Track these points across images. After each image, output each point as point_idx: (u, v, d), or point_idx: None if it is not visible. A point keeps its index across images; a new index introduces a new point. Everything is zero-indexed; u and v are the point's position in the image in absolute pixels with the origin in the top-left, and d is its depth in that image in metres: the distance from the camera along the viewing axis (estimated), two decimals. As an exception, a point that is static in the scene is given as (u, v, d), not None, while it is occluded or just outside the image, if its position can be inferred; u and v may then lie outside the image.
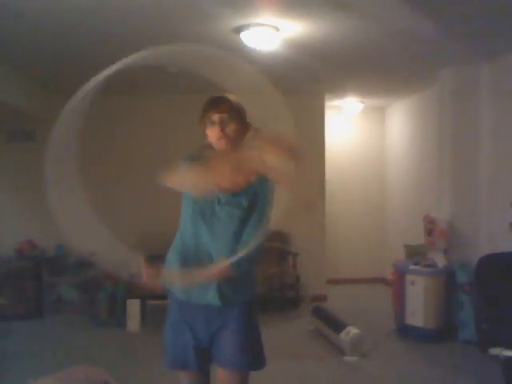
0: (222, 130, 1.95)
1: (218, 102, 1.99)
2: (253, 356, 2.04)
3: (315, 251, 6.53)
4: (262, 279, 5.32)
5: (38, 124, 6.39)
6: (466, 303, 4.67)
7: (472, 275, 4.44)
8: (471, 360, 4.31)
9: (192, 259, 1.98)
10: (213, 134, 1.98)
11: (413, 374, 4.11)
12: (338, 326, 4.62)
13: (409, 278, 4.92)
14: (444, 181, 5.31)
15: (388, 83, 6.21)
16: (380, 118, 7.85)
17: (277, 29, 3.98)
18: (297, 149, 1.80)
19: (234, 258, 1.82)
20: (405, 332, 4.98)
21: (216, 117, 1.96)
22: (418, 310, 4.81)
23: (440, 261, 4.88)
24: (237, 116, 1.98)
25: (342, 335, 4.42)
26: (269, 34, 4.00)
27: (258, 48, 4.22)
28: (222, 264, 1.87)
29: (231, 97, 2.02)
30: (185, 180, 1.94)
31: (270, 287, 5.85)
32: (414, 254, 5.25)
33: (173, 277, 1.94)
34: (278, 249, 6.15)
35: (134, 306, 5.33)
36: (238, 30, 3.98)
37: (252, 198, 1.98)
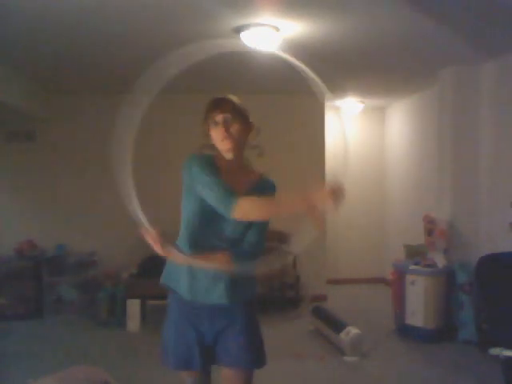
0: (227, 130, 1.95)
1: (221, 103, 1.99)
2: (257, 354, 2.06)
3: (315, 251, 6.53)
4: (262, 279, 5.32)
5: (37, 124, 6.40)
6: (466, 303, 4.67)
7: (472, 275, 4.44)
8: (471, 360, 4.31)
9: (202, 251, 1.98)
10: (217, 135, 1.97)
11: (413, 374, 4.11)
12: (338, 325, 4.62)
13: (409, 277, 4.92)
14: (444, 181, 5.31)
15: (388, 83, 6.21)
16: (380, 118, 7.85)
17: (277, 29, 3.98)
18: (340, 192, 1.83)
19: (237, 251, 1.86)
20: (405, 332, 4.98)
21: (220, 117, 1.96)
22: (418, 310, 4.81)
23: (440, 261, 4.88)
24: (240, 116, 1.98)
25: (342, 335, 4.42)
26: (269, 34, 4.00)
27: (257, 48, 4.21)
28: (225, 256, 1.89)
29: (233, 97, 2.03)
30: None
31: (270, 287, 5.85)
32: (414, 253, 5.25)
33: (181, 258, 1.92)
34: (277, 249, 6.15)
35: (133, 306, 5.33)
36: (238, 29, 3.98)
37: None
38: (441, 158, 5.38)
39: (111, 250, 6.27)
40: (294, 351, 4.51)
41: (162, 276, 2.14)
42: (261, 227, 2.03)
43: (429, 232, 5.03)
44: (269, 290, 5.81)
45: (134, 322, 5.30)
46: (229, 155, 1.99)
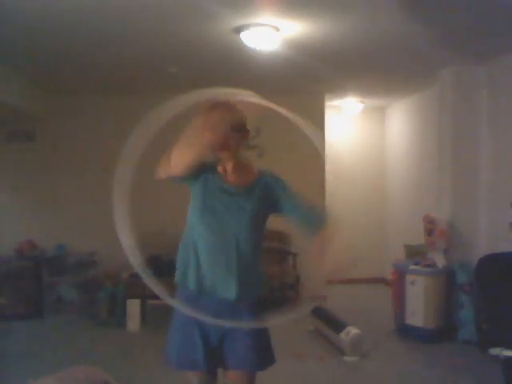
0: (225, 141, 2.00)
1: (223, 112, 2.01)
2: (264, 355, 2.06)
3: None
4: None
5: (37, 124, 6.40)
6: (466, 303, 4.67)
7: (472, 275, 4.44)
8: (471, 360, 4.31)
9: (206, 259, 1.99)
10: (213, 141, 2.01)
11: (413, 373, 4.11)
12: (338, 325, 4.62)
13: (409, 278, 4.91)
14: (444, 181, 5.31)
15: (388, 83, 6.21)
16: (380, 118, 7.85)
17: (277, 29, 3.97)
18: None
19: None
20: (405, 332, 4.97)
21: (220, 126, 1.99)
22: (418, 310, 4.81)
23: (440, 261, 4.87)
24: (239, 126, 2.04)
25: (342, 335, 4.41)
26: (269, 34, 4.00)
27: (258, 48, 4.21)
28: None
29: (234, 105, 2.05)
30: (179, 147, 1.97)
31: (270, 287, 5.85)
32: (414, 253, 5.25)
33: None
34: (277, 249, 6.15)
35: (133, 306, 5.32)
36: (238, 29, 3.98)
37: (264, 188, 2.06)
38: (441, 158, 5.37)
39: (111, 250, 6.19)
40: (294, 351, 4.50)
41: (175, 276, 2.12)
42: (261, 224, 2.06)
43: (429, 232, 5.03)
44: (269, 290, 5.81)
45: (133, 322, 5.30)
46: (224, 160, 2.06)
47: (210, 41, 4.26)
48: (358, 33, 4.15)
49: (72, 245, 6.27)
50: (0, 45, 4.40)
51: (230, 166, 2.07)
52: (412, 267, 4.94)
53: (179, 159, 1.94)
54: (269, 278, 5.89)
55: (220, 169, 2.09)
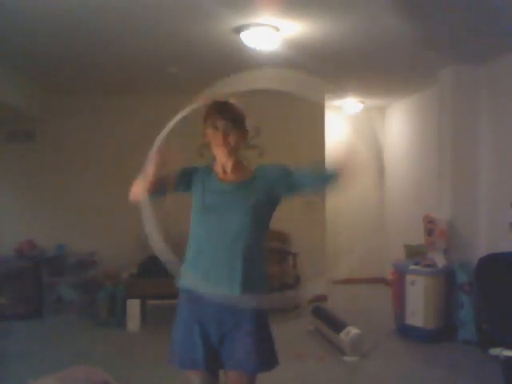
0: (225, 137, 2.02)
1: (223, 109, 2.03)
2: (265, 357, 2.03)
3: (315, 251, 6.53)
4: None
5: (37, 124, 6.41)
6: (466, 303, 4.67)
7: (472, 275, 4.44)
8: (471, 360, 4.31)
9: (209, 257, 2.00)
10: (215, 139, 2.04)
11: (413, 373, 4.11)
12: (338, 325, 4.62)
13: (409, 278, 4.92)
14: (444, 181, 5.31)
15: (388, 83, 6.21)
16: (380, 118, 7.85)
17: (277, 29, 3.98)
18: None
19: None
20: (405, 332, 4.98)
21: (220, 123, 2.01)
22: (418, 310, 4.81)
23: (440, 261, 4.88)
24: (240, 125, 2.05)
25: (342, 335, 4.41)
26: (269, 34, 4.00)
27: (257, 48, 4.21)
28: None
29: (235, 103, 2.07)
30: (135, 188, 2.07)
31: (270, 287, 5.84)
32: (414, 253, 5.25)
33: None
34: (277, 249, 6.15)
35: (134, 306, 5.32)
36: (238, 29, 3.98)
37: (262, 180, 2.07)
38: (441, 158, 5.38)
39: (111, 250, 6.27)
40: (294, 351, 4.50)
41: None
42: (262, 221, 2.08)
43: (429, 232, 5.03)
44: (269, 290, 5.80)
45: (133, 322, 5.30)
46: (223, 158, 2.06)
47: (210, 41, 4.26)
48: (357, 33, 4.15)
49: (72, 245, 6.27)
50: (0, 45, 4.40)
51: (229, 166, 2.07)
52: (412, 267, 4.94)
53: (133, 192, 2.07)
54: (269, 277, 5.89)
55: (218, 168, 2.10)
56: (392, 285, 5.42)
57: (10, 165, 6.42)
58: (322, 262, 6.51)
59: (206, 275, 1.98)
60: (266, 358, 2.03)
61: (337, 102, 7.12)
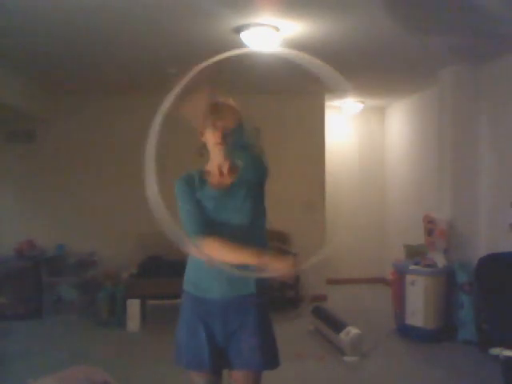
0: (224, 137, 2.04)
1: (223, 111, 2.06)
2: (270, 354, 2.06)
3: (315, 251, 6.53)
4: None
5: (38, 124, 6.41)
6: (466, 303, 4.67)
7: (472, 275, 4.44)
8: (471, 360, 4.31)
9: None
10: (212, 138, 2.06)
11: (413, 373, 4.11)
12: (338, 325, 4.62)
13: (409, 278, 4.92)
14: (444, 181, 5.31)
15: (388, 83, 6.21)
16: (380, 118, 7.85)
17: (277, 29, 3.98)
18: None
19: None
20: (405, 332, 4.98)
21: (219, 124, 2.03)
22: (418, 310, 4.81)
23: (440, 261, 4.88)
24: (238, 126, 2.06)
25: (342, 335, 4.41)
26: (269, 34, 4.00)
27: (257, 48, 4.21)
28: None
29: (234, 104, 2.10)
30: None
31: (270, 287, 5.84)
32: (414, 253, 5.25)
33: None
34: (277, 249, 6.15)
35: (133, 306, 5.32)
36: (238, 29, 3.98)
37: (248, 174, 2.08)
38: (441, 158, 5.38)
39: (111, 250, 6.27)
40: (294, 351, 4.50)
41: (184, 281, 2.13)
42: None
43: (429, 232, 5.03)
44: (269, 289, 5.80)
45: (133, 322, 5.30)
46: (220, 159, 2.08)
47: (210, 41, 4.25)
48: (357, 33, 4.15)
49: (72, 245, 6.27)
50: (0, 45, 4.40)
51: (225, 167, 2.09)
52: (412, 267, 4.94)
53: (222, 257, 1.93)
54: (269, 278, 5.88)
55: (214, 169, 2.10)
56: (392, 285, 5.42)
57: (10, 165, 6.41)
58: (322, 262, 6.50)
59: (217, 274, 1.96)
60: (271, 355, 2.06)
61: (337, 102, 7.12)
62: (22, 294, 5.77)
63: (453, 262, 4.92)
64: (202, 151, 2.12)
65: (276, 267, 1.91)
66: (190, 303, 2.07)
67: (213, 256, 1.91)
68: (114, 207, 6.26)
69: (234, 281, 1.98)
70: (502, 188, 4.81)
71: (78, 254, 6.20)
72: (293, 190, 6.53)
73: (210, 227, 1.99)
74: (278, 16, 3.75)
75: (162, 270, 5.45)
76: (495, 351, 3.15)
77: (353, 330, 4.40)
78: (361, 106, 7.14)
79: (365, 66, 5.31)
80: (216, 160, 2.09)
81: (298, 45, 4.39)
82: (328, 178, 6.84)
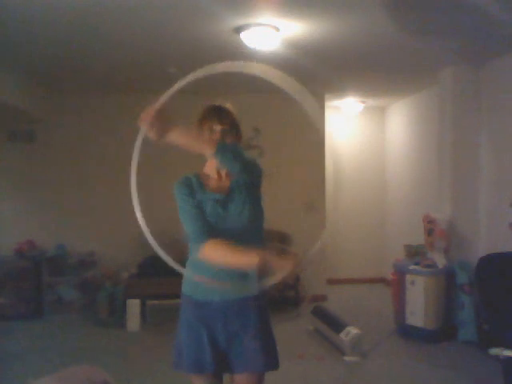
0: (222, 140, 2.03)
1: (221, 114, 2.07)
2: (272, 355, 2.06)
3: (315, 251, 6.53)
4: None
5: (38, 124, 6.40)
6: (466, 303, 4.67)
7: (472, 275, 4.44)
8: (471, 360, 4.31)
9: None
10: (210, 142, 2.02)
11: (413, 373, 4.11)
12: (338, 325, 4.62)
13: (409, 278, 4.92)
14: (444, 181, 5.31)
15: (388, 83, 6.21)
16: (380, 118, 7.85)
17: (277, 29, 3.97)
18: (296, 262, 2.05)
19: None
20: (405, 332, 4.98)
21: (218, 127, 2.05)
22: (418, 309, 4.81)
23: (440, 261, 4.88)
24: (236, 129, 2.10)
25: (342, 335, 4.41)
26: (269, 34, 4.00)
27: (257, 48, 4.21)
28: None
29: (231, 108, 2.12)
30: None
31: (270, 287, 5.83)
32: (414, 253, 5.25)
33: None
34: (278, 249, 6.14)
35: (134, 306, 5.32)
36: (238, 30, 3.98)
37: (250, 175, 2.08)
38: (441, 158, 5.38)
39: (111, 250, 6.27)
40: (294, 351, 4.51)
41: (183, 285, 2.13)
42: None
43: (429, 232, 5.03)
44: (269, 290, 5.80)
45: (133, 322, 5.30)
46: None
47: (210, 41, 4.25)
48: (358, 33, 4.15)
49: (72, 245, 6.27)
50: (0, 45, 4.40)
51: (224, 171, 2.08)
52: (412, 267, 4.94)
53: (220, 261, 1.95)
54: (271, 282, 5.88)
55: (213, 173, 2.09)
56: (392, 285, 5.42)
57: (10, 165, 6.41)
58: (322, 262, 6.52)
59: (217, 275, 1.95)
60: (273, 356, 2.07)
61: (337, 102, 7.12)
62: (22, 293, 5.78)
63: (453, 262, 4.92)
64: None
65: (277, 267, 1.92)
66: (190, 307, 2.06)
67: (214, 257, 1.92)
68: (114, 207, 6.25)
69: (234, 283, 1.97)
70: (502, 188, 4.80)
71: (78, 254, 6.20)
72: (293, 190, 6.53)
73: (211, 229, 1.99)
74: (277, 16, 3.75)
75: (162, 270, 5.41)
76: (495, 351, 3.14)
77: (353, 330, 4.40)
78: (361, 105, 7.14)
79: (365, 66, 5.31)
80: (214, 163, 2.06)
81: (298, 45, 4.39)
82: (328, 178, 6.85)
